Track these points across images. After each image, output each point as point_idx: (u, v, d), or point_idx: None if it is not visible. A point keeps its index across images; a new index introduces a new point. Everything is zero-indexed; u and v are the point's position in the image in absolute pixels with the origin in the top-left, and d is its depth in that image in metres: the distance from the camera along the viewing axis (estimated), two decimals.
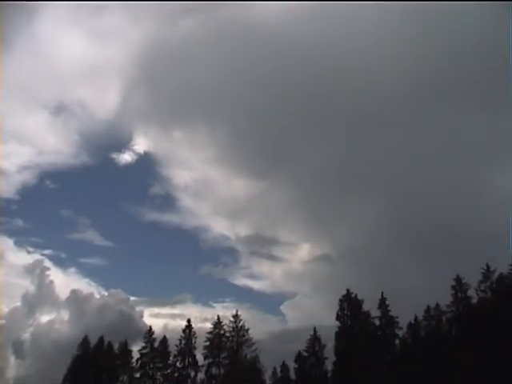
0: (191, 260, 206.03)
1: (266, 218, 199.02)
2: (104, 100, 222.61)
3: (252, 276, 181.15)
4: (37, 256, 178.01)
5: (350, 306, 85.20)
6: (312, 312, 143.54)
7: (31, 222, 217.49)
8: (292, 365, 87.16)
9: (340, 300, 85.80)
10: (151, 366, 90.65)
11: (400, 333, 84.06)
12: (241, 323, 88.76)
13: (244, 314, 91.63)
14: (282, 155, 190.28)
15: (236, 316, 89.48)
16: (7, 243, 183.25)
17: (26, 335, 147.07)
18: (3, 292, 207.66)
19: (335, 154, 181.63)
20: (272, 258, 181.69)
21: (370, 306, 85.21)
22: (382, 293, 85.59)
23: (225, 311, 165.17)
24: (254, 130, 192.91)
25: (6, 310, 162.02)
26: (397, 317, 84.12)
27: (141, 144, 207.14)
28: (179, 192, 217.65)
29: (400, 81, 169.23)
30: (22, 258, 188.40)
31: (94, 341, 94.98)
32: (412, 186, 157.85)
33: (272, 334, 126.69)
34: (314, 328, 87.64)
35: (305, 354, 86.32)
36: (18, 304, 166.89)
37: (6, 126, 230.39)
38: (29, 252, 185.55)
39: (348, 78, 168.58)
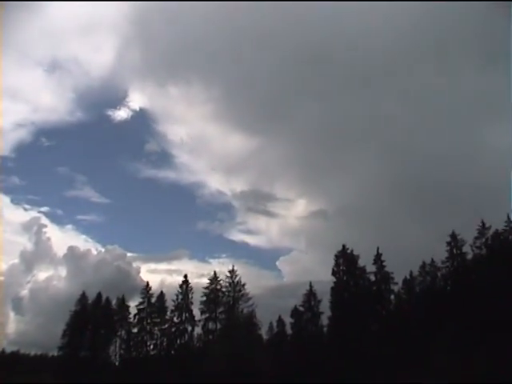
0: (188, 216, 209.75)
1: (262, 173, 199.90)
2: (99, 57, 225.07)
3: (248, 232, 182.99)
4: (34, 213, 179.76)
5: (345, 261, 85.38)
6: (308, 267, 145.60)
7: (27, 180, 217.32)
8: (288, 320, 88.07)
9: (336, 255, 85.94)
10: (149, 321, 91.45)
11: (395, 288, 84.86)
12: (237, 278, 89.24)
13: (240, 270, 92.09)
14: (278, 111, 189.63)
15: (232, 271, 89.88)
16: (4, 201, 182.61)
17: (25, 292, 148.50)
18: (1, 249, 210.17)
19: (332, 110, 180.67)
20: (268, 213, 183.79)
21: (366, 261, 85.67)
22: (378, 248, 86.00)
23: (221, 267, 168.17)
24: (250, 86, 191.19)
25: (4, 267, 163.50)
26: (392, 272, 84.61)
27: (136, 100, 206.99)
28: (175, 148, 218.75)
29: (398, 41, 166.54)
30: (19, 215, 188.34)
31: (91, 297, 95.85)
32: (410, 144, 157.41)
33: (268, 290, 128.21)
34: (310, 283, 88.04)
35: (301, 308, 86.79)
36: (16, 261, 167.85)
37: (0, 84, 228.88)
38: (26, 209, 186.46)
39: (347, 38, 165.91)
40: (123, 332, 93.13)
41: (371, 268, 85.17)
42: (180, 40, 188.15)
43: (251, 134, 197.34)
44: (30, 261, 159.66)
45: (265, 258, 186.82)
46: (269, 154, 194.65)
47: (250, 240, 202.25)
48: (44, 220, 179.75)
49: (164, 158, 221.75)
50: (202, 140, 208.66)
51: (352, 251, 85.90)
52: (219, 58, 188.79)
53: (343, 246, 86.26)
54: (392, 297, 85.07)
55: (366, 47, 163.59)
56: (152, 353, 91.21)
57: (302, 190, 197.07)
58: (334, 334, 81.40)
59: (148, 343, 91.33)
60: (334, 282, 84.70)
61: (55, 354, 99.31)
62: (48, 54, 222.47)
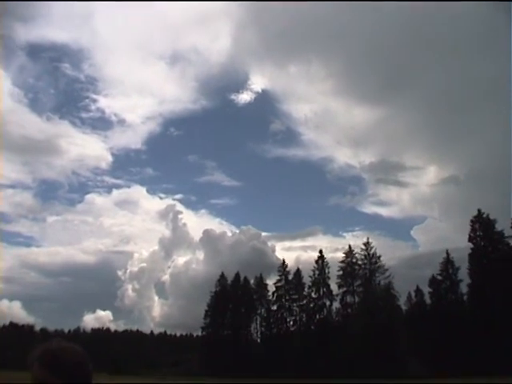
0: (318, 192, 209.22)
1: (389, 143, 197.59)
2: (217, 44, 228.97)
3: (380, 203, 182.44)
4: (169, 201, 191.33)
5: (482, 226, 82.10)
6: (443, 235, 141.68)
7: (160, 170, 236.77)
8: (426, 289, 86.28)
9: (471, 221, 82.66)
10: (287, 297, 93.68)
11: None
12: (372, 251, 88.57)
13: (374, 242, 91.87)
14: (401, 79, 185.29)
15: (367, 244, 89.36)
16: (140, 192, 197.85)
17: (166, 276, 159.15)
18: (142, 237, 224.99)
19: (458, 72, 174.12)
20: (399, 183, 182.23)
21: (503, 225, 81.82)
22: None
23: (355, 240, 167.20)
24: (369, 58, 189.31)
25: (145, 254, 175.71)
26: None
27: (257, 83, 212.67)
28: (300, 126, 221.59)
29: None
30: (156, 204, 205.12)
31: (229, 277, 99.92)
32: None
33: (403, 260, 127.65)
34: (447, 251, 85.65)
35: (439, 277, 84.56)
36: (156, 248, 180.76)
37: (127, 81, 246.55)
38: (161, 198, 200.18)
39: None
40: (263, 310, 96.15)
41: (509, 232, 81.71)
42: (295, 20, 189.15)
43: (375, 105, 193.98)
44: (168, 247, 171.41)
45: (398, 228, 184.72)
46: (395, 123, 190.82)
47: (383, 211, 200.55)
48: (179, 207, 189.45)
49: (290, 136, 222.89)
50: (327, 115, 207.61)
51: (488, 216, 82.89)
52: (337, 33, 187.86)
53: (479, 211, 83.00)
54: None
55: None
56: (292, 329, 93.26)
57: (431, 157, 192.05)
58: (475, 301, 78.72)
59: (287, 320, 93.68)
60: (472, 249, 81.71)
61: (199, 333, 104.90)
62: (168, 47, 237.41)
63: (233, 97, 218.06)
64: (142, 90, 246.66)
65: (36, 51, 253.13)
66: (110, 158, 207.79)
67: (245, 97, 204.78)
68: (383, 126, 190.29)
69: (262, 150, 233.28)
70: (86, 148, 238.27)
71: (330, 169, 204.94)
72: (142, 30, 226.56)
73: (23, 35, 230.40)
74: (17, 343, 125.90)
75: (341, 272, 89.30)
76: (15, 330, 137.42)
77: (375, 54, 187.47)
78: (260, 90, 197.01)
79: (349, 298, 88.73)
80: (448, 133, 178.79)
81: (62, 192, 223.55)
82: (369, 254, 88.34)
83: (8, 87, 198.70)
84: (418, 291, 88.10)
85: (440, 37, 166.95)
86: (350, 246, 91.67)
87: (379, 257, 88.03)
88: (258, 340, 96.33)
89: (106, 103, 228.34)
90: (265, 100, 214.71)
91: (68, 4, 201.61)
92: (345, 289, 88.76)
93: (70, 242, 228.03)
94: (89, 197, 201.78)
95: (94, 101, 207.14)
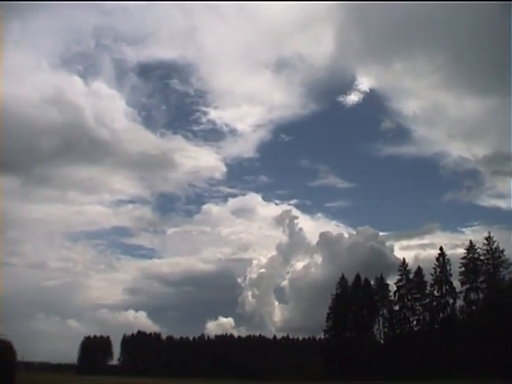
0: (433, 188, 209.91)
1: (502, 133, 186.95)
2: (320, 47, 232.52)
3: (498, 195, 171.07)
4: (284, 207, 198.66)
5: None
6: None
7: (274, 176, 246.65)
8: None
9: None
10: (409, 297, 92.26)
11: None
12: (494, 245, 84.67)
13: (496, 236, 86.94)
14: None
15: (489, 238, 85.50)
16: (256, 199, 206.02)
17: (285, 282, 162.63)
18: (260, 244, 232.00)
19: None
20: None
21: None
22: None
23: (475, 235, 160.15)
24: (476, 49, 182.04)
25: (264, 260, 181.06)
26: None
27: (364, 82, 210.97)
28: (410, 123, 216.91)
29: None
30: (271, 210, 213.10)
31: (349, 279, 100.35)
32: None
33: None
34: None
35: None
36: (274, 254, 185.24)
37: (235, 91, 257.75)
38: (276, 204, 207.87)
39: None
40: (385, 310, 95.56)
41: None
42: (397, 16, 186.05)
43: (486, 95, 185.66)
44: (286, 252, 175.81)
45: None
46: (507, 112, 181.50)
47: (502, 204, 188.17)
48: (295, 212, 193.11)
49: (401, 133, 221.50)
50: (436, 109, 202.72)
51: None
52: (440, 25, 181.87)
53: None
54: None
55: None
56: (415, 328, 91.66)
57: None
58: None
59: (410, 319, 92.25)
60: None
61: (321, 336, 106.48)
62: (272, 55, 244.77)
63: (341, 99, 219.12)
64: (251, 99, 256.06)
65: (146, 71, 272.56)
66: (223, 168, 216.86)
67: (353, 98, 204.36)
68: (495, 116, 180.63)
69: (373, 150, 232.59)
70: (199, 160, 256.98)
71: (443, 164, 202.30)
72: (246, 40, 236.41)
73: (134, 57, 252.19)
74: (145, 350, 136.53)
75: (463, 268, 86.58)
76: (144, 339, 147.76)
77: (481, 43, 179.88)
78: (367, 90, 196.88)
79: (473, 295, 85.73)
80: None
81: (180, 204, 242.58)
82: (491, 249, 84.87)
83: (123, 107, 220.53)
84: None
85: None
86: (470, 242, 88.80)
87: (502, 251, 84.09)
88: (381, 341, 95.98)
89: (217, 114, 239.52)
90: (373, 99, 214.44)
91: (172, 22, 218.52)
92: (468, 286, 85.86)
93: (189, 252, 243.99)
94: (205, 207, 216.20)
95: (205, 113, 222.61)
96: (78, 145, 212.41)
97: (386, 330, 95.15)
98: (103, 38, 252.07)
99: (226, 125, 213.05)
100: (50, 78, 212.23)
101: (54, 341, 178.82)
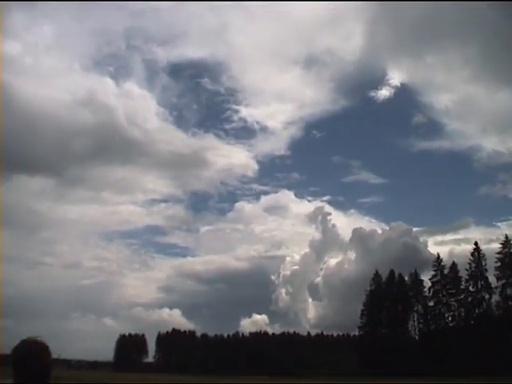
0: (467, 183, 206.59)
1: None
2: (350, 43, 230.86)
3: None
4: (317, 203, 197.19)
5: None
6: None
7: (306, 173, 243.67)
8: None
9: None
10: (444, 293, 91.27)
11: None
12: None
13: None
14: None
15: None
16: (288, 196, 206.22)
17: (319, 279, 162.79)
18: (293, 241, 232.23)
19: None
20: None
21: None
22: None
23: (510, 229, 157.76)
24: (506, 40, 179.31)
25: (297, 257, 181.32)
26: None
27: (395, 77, 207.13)
28: (443, 117, 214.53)
29: None
30: (304, 207, 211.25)
31: (383, 275, 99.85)
32: None
33: None
34: None
35: None
36: (307, 250, 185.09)
37: (266, 89, 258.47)
38: (309, 201, 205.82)
39: None
40: (419, 306, 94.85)
41: None
42: (426, 9, 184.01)
43: None
44: (319, 248, 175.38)
45: None
46: None
47: None
48: (327, 208, 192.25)
49: (433, 128, 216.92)
50: (468, 103, 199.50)
51: None
52: (470, 17, 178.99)
53: None
54: None
55: None
56: (450, 324, 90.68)
57: None
58: None
59: (445, 315, 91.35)
60: None
61: (356, 333, 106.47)
62: (302, 52, 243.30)
63: (372, 94, 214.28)
64: (281, 96, 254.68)
65: (176, 70, 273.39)
66: (255, 166, 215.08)
67: (384, 92, 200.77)
68: None
69: (406, 145, 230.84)
70: (231, 158, 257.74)
71: (477, 158, 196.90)
72: (275, 37, 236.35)
73: (164, 57, 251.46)
74: (180, 348, 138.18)
75: (498, 263, 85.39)
76: (178, 336, 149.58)
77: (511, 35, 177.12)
78: (399, 84, 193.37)
79: (509, 291, 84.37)
80: None
81: (212, 202, 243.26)
82: None
83: (154, 107, 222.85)
84: None
85: None
86: (506, 236, 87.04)
87: None
88: (416, 337, 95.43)
89: (248, 112, 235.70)
90: (404, 94, 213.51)
91: (202, 21, 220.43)
92: (504, 281, 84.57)
93: (223, 250, 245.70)
94: (238, 205, 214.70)
95: (236, 111, 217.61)
96: (111, 145, 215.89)
97: (420, 326, 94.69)
98: (134, 39, 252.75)
99: (257, 122, 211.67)
100: (82, 80, 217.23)
101: (90, 339, 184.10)
